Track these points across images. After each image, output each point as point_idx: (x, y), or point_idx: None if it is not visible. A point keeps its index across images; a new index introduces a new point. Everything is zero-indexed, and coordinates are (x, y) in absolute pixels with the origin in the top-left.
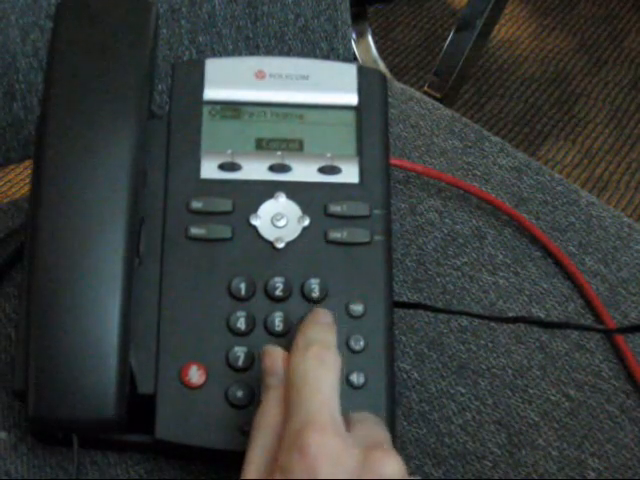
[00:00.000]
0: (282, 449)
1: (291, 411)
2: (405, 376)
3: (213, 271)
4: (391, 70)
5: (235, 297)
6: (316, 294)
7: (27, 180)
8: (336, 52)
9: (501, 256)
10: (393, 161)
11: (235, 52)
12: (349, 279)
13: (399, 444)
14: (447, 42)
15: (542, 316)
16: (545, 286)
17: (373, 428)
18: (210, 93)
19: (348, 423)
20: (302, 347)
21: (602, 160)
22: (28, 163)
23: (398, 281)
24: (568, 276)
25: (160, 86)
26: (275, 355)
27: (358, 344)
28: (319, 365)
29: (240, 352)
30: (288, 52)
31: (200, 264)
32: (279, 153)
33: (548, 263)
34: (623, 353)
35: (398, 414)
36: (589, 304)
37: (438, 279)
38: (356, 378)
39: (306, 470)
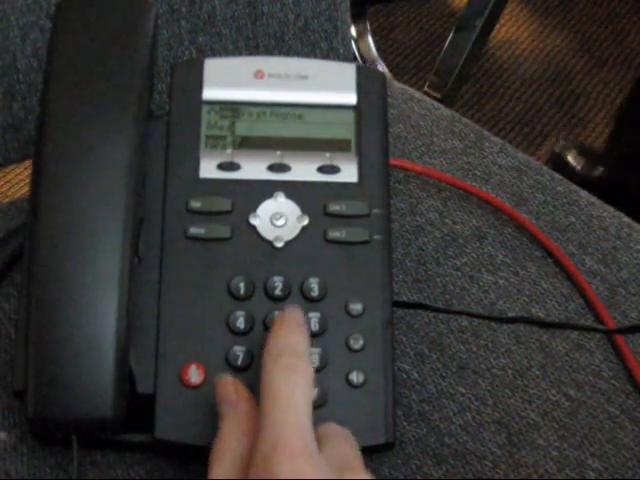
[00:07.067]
0: (251, 474)
1: (262, 429)
2: (405, 376)
3: (212, 271)
4: (391, 70)
5: (234, 296)
6: (315, 293)
7: (27, 180)
8: (336, 52)
9: (501, 256)
10: (393, 161)
11: (235, 52)
12: (348, 278)
13: (399, 444)
14: (447, 42)
15: (542, 316)
16: (545, 286)
17: (343, 446)
18: (209, 93)
19: (318, 440)
20: (273, 356)
21: None
22: (28, 163)
23: (398, 281)
24: (568, 276)
25: (160, 86)
26: (226, 383)
27: (357, 343)
28: (290, 378)
29: (239, 351)
30: (288, 52)
31: (199, 264)
32: (278, 153)
33: (548, 263)
34: (623, 353)
35: (398, 414)
36: (589, 304)
37: (438, 279)
38: (355, 377)
39: None
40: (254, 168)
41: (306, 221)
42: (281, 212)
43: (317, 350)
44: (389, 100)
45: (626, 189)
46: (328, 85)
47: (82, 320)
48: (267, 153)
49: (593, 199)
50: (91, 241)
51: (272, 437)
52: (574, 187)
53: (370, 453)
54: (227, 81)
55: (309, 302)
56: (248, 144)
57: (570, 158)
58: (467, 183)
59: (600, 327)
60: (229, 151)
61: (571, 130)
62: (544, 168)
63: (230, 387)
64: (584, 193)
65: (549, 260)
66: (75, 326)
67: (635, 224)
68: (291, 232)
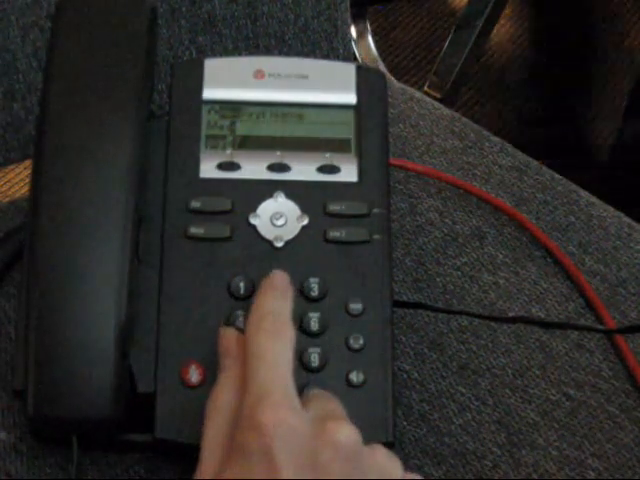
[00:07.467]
0: (238, 426)
1: (246, 386)
2: (405, 376)
3: (212, 270)
4: (391, 70)
5: (234, 296)
6: (315, 293)
7: (27, 180)
8: (336, 52)
9: (501, 256)
10: (393, 161)
11: (235, 52)
12: (348, 278)
13: (399, 444)
14: (447, 42)
15: (542, 316)
16: (545, 286)
17: (327, 403)
18: (209, 93)
19: (303, 401)
20: (256, 319)
21: None
22: (28, 163)
23: (398, 281)
24: (568, 276)
25: (160, 86)
26: (230, 336)
27: (357, 343)
28: (272, 339)
29: None
30: (288, 52)
31: (199, 263)
32: (278, 152)
33: (548, 263)
34: (623, 353)
35: (398, 414)
36: (589, 304)
37: (438, 279)
38: (355, 377)
39: (262, 448)
40: (254, 168)
41: (306, 221)
42: (281, 212)
43: (317, 350)
44: (389, 100)
45: (624, 187)
46: (328, 85)
47: (82, 319)
48: (267, 153)
49: (593, 199)
50: (91, 241)
51: (257, 391)
52: (574, 187)
53: None
54: (227, 81)
55: (309, 302)
56: (248, 144)
57: None
58: (467, 183)
59: (600, 327)
60: (229, 151)
61: None
62: (544, 168)
63: (233, 341)
64: (584, 193)
65: (549, 260)
66: (75, 325)
67: (635, 224)
68: (291, 232)
